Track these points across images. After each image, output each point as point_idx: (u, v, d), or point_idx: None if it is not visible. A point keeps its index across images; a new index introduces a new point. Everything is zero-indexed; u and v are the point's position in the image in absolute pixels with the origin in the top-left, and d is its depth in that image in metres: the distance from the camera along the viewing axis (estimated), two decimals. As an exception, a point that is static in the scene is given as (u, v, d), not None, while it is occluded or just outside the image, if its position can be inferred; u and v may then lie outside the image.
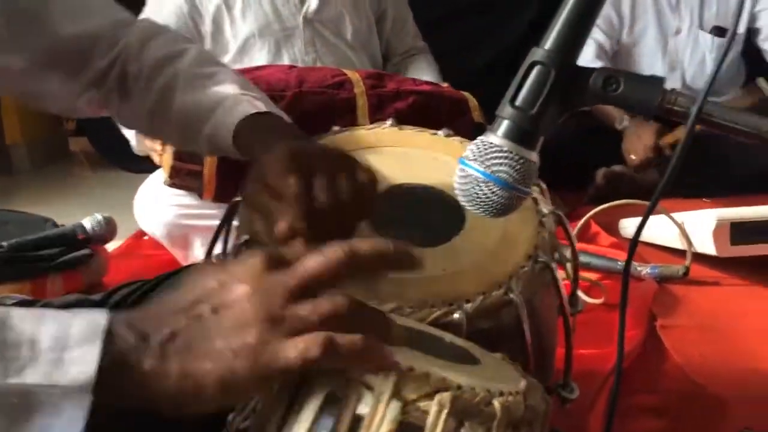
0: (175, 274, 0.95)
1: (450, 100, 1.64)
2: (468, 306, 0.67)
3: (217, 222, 0.83)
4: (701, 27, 2.09)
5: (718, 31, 2.09)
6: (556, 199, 1.92)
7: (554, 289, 0.76)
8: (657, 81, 0.55)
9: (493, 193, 0.57)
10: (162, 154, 1.44)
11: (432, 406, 0.44)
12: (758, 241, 1.32)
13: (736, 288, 1.38)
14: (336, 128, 0.92)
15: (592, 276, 1.46)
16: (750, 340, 1.20)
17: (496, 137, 0.57)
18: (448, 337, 0.60)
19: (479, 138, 0.59)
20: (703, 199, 1.86)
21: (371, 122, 1.52)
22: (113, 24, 0.83)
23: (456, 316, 0.66)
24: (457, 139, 0.90)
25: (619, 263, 1.45)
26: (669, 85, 1.61)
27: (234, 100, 0.78)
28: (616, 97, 0.55)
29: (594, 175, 1.99)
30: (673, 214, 1.46)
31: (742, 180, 1.79)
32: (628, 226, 1.65)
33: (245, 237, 0.73)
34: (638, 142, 1.90)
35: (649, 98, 0.55)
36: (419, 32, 2.05)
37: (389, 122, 0.93)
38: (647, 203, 0.59)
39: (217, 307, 0.46)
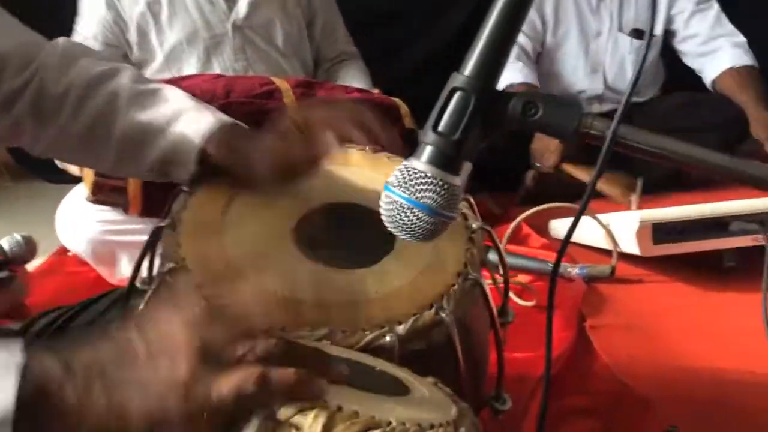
0: (100, 298, 0.93)
1: (381, 107, 1.64)
2: (400, 328, 0.67)
3: (143, 237, 0.81)
4: (620, 29, 2.16)
5: (637, 33, 2.16)
6: (489, 201, 1.96)
7: (484, 304, 0.77)
8: (575, 106, 0.56)
9: (418, 219, 0.57)
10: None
11: (361, 445, 0.44)
12: (678, 240, 1.37)
13: (659, 285, 1.43)
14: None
15: (524, 278, 1.49)
16: (673, 338, 1.24)
17: (420, 163, 0.57)
18: (380, 364, 0.60)
19: (403, 164, 0.59)
20: (628, 198, 1.92)
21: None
22: (22, 45, 0.79)
23: (388, 339, 0.66)
24: (385, 154, 0.90)
25: (550, 265, 1.49)
26: (592, 86, 1.64)
27: (196, 110, 0.77)
28: (534, 123, 0.56)
29: (524, 177, 2.03)
30: (600, 215, 1.50)
31: (662, 180, 1.86)
32: (557, 227, 1.69)
33: (170, 265, 0.71)
34: (544, 145, 1.96)
35: (567, 123, 0.56)
36: (350, 37, 2.04)
37: None
38: (576, 206, 0.61)
39: (150, 338, 0.45)
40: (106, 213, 1.43)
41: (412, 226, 0.58)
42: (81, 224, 1.46)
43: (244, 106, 1.51)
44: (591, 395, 1.10)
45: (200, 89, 1.53)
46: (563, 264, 1.51)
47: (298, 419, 0.44)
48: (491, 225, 0.84)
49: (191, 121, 0.77)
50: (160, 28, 1.74)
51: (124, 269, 1.44)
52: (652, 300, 1.37)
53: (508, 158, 1.97)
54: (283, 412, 0.45)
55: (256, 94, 1.54)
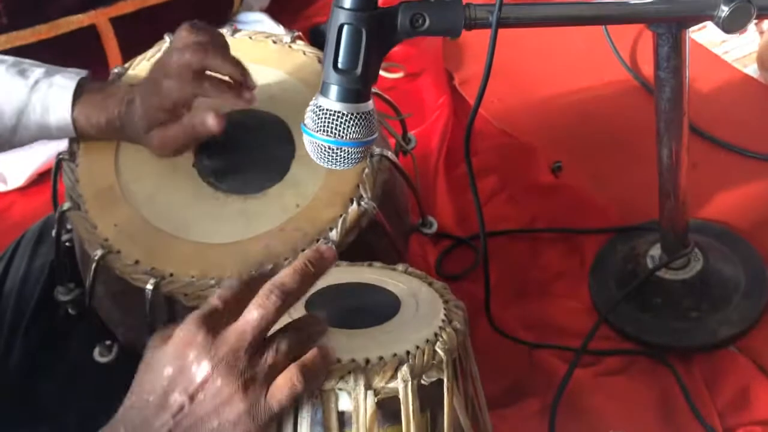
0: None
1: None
2: (332, 234, 0.72)
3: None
4: None
5: None
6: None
7: (394, 168, 0.81)
8: (456, 3, 0.58)
9: (349, 154, 0.61)
10: None
11: (399, 384, 0.53)
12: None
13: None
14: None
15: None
16: (532, 72, 1.34)
17: (333, 103, 0.59)
18: (356, 274, 0.65)
19: (313, 104, 0.60)
20: None
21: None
22: None
23: None
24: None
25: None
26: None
27: (37, 97, 0.75)
28: (425, 31, 0.58)
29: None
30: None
31: None
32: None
33: (99, 252, 0.72)
34: None
35: (455, 22, 0.58)
36: None
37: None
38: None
39: (193, 394, 0.50)
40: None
41: (345, 160, 0.61)
42: None
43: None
44: (482, 154, 1.21)
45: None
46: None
47: (341, 385, 0.53)
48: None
49: (44, 112, 0.75)
50: None
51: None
52: (503, 35, 1.45)
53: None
54: (326, 384, 0.53)
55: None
